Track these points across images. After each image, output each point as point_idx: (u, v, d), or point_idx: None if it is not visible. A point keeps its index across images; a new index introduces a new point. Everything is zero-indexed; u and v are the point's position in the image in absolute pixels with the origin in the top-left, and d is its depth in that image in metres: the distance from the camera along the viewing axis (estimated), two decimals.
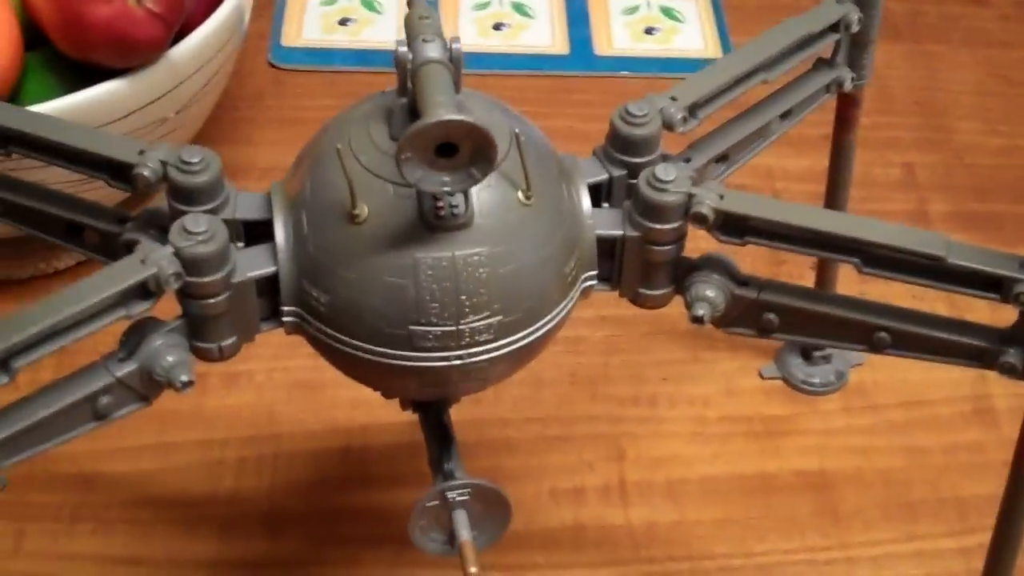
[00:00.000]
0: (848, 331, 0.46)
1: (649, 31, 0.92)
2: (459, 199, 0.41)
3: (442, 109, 0.38)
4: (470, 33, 0.91)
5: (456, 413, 0.61)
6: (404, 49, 0.41)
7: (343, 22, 0.91)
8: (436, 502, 0.45)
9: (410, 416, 0.49)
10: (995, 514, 0.51)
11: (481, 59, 0.88)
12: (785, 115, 0.53)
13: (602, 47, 0.90)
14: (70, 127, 0.45)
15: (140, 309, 0.42)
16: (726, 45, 0.91)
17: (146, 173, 0.44)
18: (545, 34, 0.91)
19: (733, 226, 0.45)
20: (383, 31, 0.90)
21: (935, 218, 0.79)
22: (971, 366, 0.46)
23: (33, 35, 0.66)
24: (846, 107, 0.60)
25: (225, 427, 0.66)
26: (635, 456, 0.66)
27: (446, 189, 0.39)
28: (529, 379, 0.68)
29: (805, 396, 0.69)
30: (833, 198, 0.64)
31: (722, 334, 0.68)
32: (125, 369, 0.42)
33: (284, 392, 0.68)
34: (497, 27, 0.92)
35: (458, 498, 0.45)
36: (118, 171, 0.45)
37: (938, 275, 0.44)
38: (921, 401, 0.69)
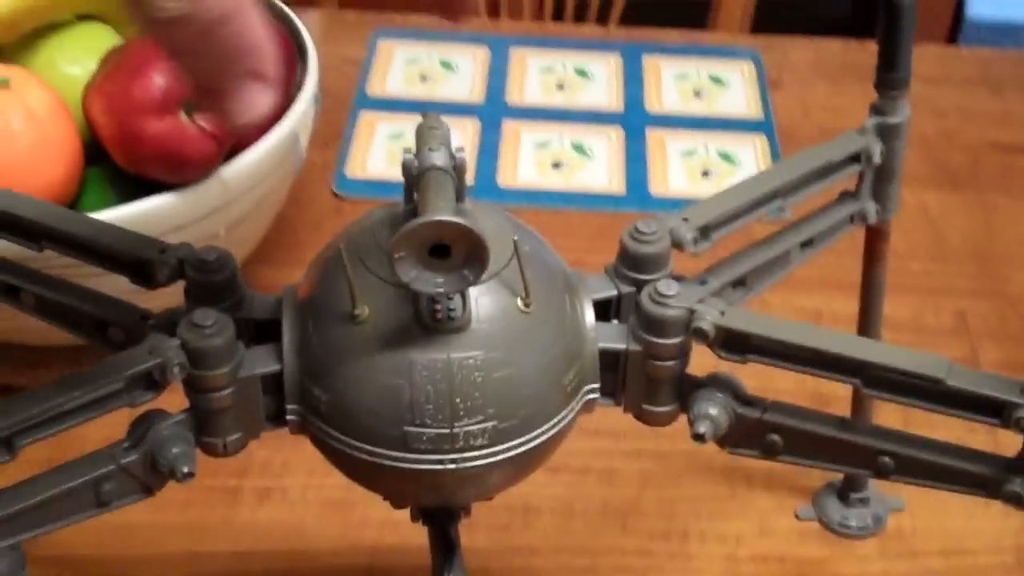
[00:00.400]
0: (853, 455, 0.46)
1: (706, 174, 0.93)
2: (456, 302, 0.42)
3: (436, 211, 0.39)
4: (529, 172, 0.93)
5: (485, 540, 0.61)
6: (410, 156, 0.42)
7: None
8: None
9: None
10: None
11: (540, 196, 0.90)
12: (806, 244, 0.54)
13: (658, 188, 0.92)
14: (97, 224, 0.48)
15: (145, 399, 0.43)
16: None
17: (164, 270, 0.46)
18: (602, 175, 0.93)
19: (734, 343, 0.45)
20: None
21: (985, 365, 0.79)
22: (976, 494, 0.45)
23: (95, 150, 0.69)
24: (873, 240, 0.60)
25: (253, 540, 0.66)
26: None
27: (439, 290, 0.40)
28: (560, 508, 0.68)
29: (841, 539, 0.68)
30: (864, 333, 0.63)
31: (759, 472, 0.69)
32: (130, 457, 0.43)
33: (316, 508, 0.68)
34: (556, 166, 0.94)
35: None
36: (139, 268, 0.47)
37: (938, 398, 0.44)
38: (962, 550, 0.68)
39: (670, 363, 0.45)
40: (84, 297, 0.48)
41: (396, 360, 0.42)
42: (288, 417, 0.45)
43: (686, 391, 0.46)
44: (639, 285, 0.47)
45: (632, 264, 0.47)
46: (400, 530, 0.64)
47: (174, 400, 0.44)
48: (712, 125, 0.98)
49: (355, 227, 0.45)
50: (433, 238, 0.39)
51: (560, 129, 0.97)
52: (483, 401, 0.42)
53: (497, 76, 1.02)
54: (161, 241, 0.47)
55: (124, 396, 0.43)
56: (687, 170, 0.93)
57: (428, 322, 0.42)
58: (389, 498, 0.48)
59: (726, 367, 0.46)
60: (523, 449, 0.44)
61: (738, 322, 0.45)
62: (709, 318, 0.44)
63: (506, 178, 0.92)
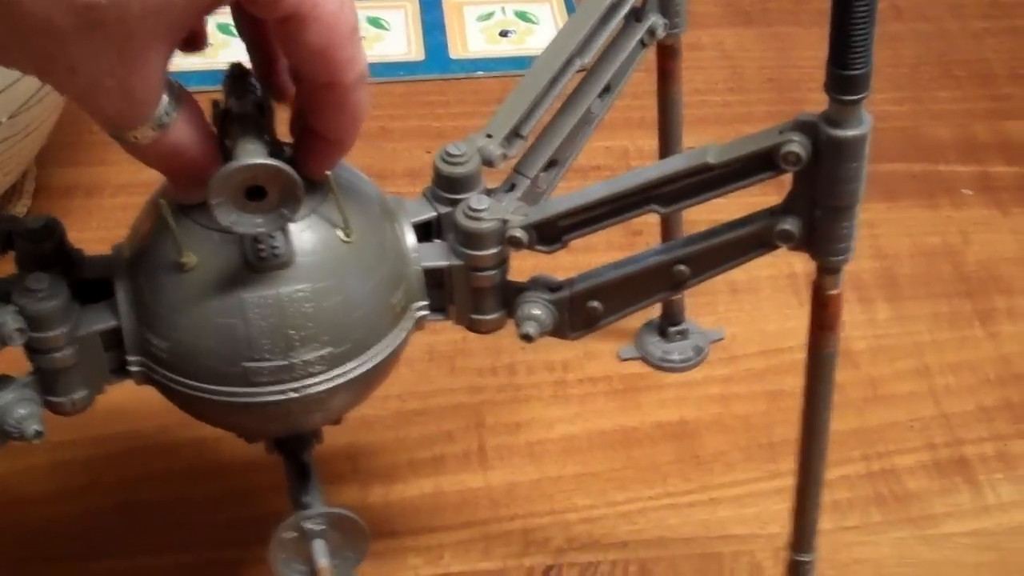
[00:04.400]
0: (657, 280, 0.48)
1: (504, 34, 0.95)
2: (279, 240, 0.43)
3: (247, 154, 0.41)
4: None
5: None
6: (219, 104, 0.44)
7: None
8: (294, 533, 0.48)
9: None
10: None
11: None
12: (604, 92, 0.55)
13: (457, 52, 0.93)
14: None
15: None
16: None
17: None
18: (401, 43, 0.94)
19: (547, 235, 0.48)
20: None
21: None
22: (760, 254, 0.47)
23: None
24: (665, 60, 0.61)
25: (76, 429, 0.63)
26: (494, 423, 0.68)
27: (260, 230, 0.42)
28: None
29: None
30: (666, 154, 0.65)
31: None
32: None
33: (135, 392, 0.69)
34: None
35: (315, 528, 0.48)
36: None
37: (721, 182, 0.46)
38: (779, 349, 0.73)
39: (490, 273, 0.48)
40: None
41: (228, 301, 0.44)
42: (132, 368, 0.46)
43: (509, 297, 0.49)
44: (454, 204, 0.49)
45: (447, 186, 0.49)
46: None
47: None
48: None
49: None
50: (248, 181, 0.41)
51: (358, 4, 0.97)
52: (316, 330, 0.44)
53: None
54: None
55: None
56: (484, 31, 0.95)
57: (254, 262, 0.43)
58: (242, 435, 0.50)
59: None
60: (361, 371, 0.46)
61: (539, 215, 0.47)
62: (517, 223, 0.47)
63: None
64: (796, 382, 0.67)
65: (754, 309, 0.75)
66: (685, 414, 0.69)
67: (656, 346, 0.72)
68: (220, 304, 0.44)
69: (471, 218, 0.47)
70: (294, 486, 0.50)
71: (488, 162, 0.50)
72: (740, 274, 0.55)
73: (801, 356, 0.57)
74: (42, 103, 0.71)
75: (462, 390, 0.70)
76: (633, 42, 0.57)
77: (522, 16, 0.96)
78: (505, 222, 0.47)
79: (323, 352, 0.45)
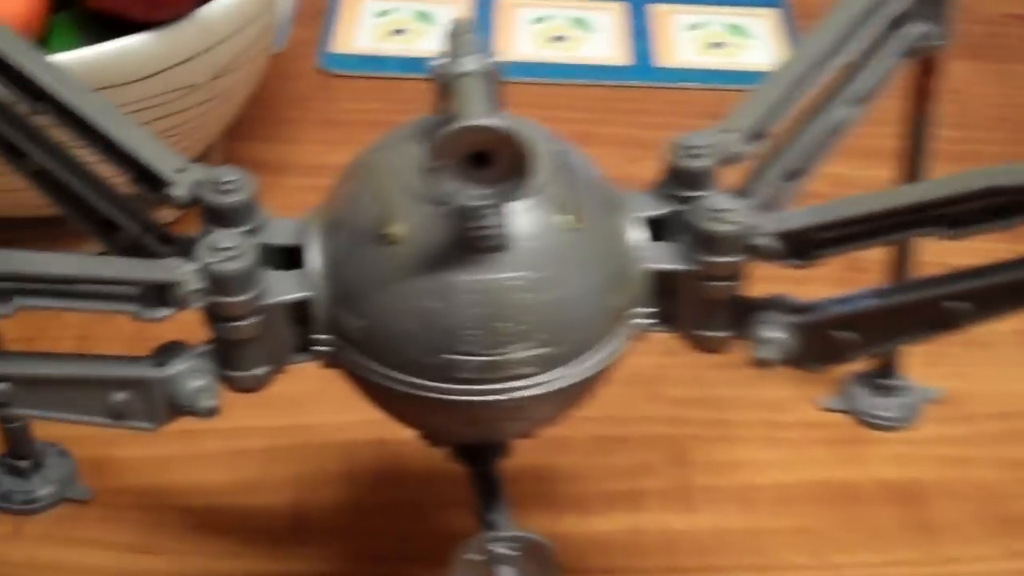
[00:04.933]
0: (927, 315, 0.43)
1: (717, 45, 0.90)
2: (499, 219, 0.38)
3: (476, 115, 0.36)
4: (527, 46, 0.89)
5: None
6: (441, 62, 0.39)
7: (398, 31, 0.90)
8: (479, 556, 0.43)
9: None
10: None
11: (539, 68, 0.87)
12: (859, 101, 0.49)
13: (664, 59, 0.88)
14: (116, 113, 0.44)
15: (154, 315, 0.40)
16: None
17: (179, 192, 0.42)
18: (606, 46, 0.89)
19: (800, 248, 0.42)
20: (437, 42, 0.89)
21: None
22: None
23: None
24: (925, 75, 0.56)
25: (252, 416, 0.60)
26: (699, 460, 0.62)
27: (482, 202, 0.37)
28: None
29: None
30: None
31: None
32: (152, 373, 0.41)
33: (315, 383, 0.66)
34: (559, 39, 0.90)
35: (504, 552, 0.43)
36: (147, 178, 0.43)
37: (1016, 210, 0.40)
38: (1020, 412, 0.65)
39: (728, 284, 0.42)
40: (100, 190, 0.45)
41: (435, 282, 0.39)
42: (319, 348, 0.42)
43: (742, 315, 0.43)
44: (686, 203, 0.43)
45: (680, 180, 0.43)
46: None
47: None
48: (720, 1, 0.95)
49: (382, 143, 0.42)
50: (474, 145, 0.36)
51: (561, 3, 0.93)
52: (531, 326, 0.39)
53: None
54: (180, 157, 0.43)
55: (135, 304, 0.40)
56: (693, 42, 0.90)
57: (468, 241, 0.38)
58: (428, 435, 0.45)
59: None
60: (575, 380, 0.41)
61: (795, 223, 0.41)
62: (770, 228, 0.41)
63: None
64: None
65: (992, 365, 0.67)
66: (913, 474, 0.62)
67: (865, 400, 0.64)
68: (426, 284, 0.39)
69: (713, 219, 0.41)
70: (480, 501, 0.45)
71: (728, 159, 0.44)
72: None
73: None
74: (243, 69, 0.70)
75: (663, 420, 0.64)
76: (894, 50, 0.51)
77: (736, 30, 0.91)
78: (752, 227, 0.41)
79: (537, 352, 0.40)
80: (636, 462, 0.62)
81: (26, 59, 0.43)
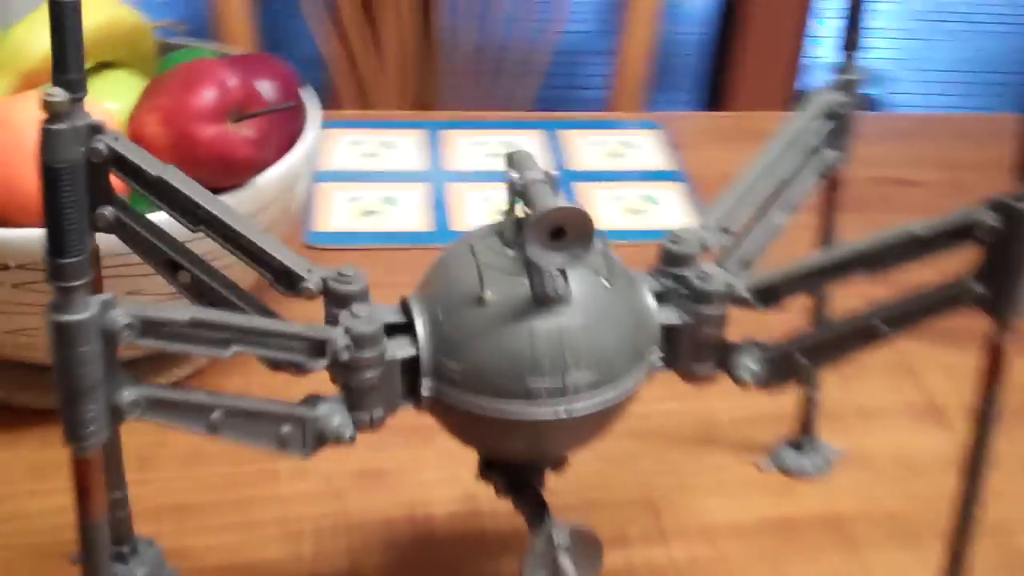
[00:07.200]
0: (855, 338, 0.57)
1: (635, 212, 1.09)
2: (560, 281, 0.53)
3: (555, 201, 0.51)
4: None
5: None
6: (514, 175, 0.54)
7: (369, 212, 1.07)
8: (543, 550, 0.57)
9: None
10: None
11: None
12: (791, 207, 0.65)
13: None
14: (257, 231, 0.57)
15: (315, 365, 0.53)
16: None
17: (311, 285, 0.56)
18: None
19: (767, 296, 0.58)
20: (402, 219, 1.06)
21: None
22: (949, 314, 0.56)
23: None
24: (830, 191, 0.73)
25: (300, 506, 0.75)
26: (668, 509, 0.77)
27: (560, 265, 0.51)
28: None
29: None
30: None
31: (719, 433, 0.82)
32: (307, 413, 0.54)
33: (350, 480, 0.78)
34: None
35: (562, 544, 0.57)
36: (285, 277, 0.56)
37: (920, 250, 0.56)
38: (908, 460, 0.82)
39: (714, 330, 0.58)
40: (234, 291, 0.57)
41: (518, 329, 0.53)
42: (423, 392, 0.55)
43: (725, 354, 0.59)
44: (677, 280, 0.58)
45: (672, 261, 0.59)
46: (431, 489, 0.76)
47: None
48: (631, 177, 1.15)
49: (463, 242, 0.57)
50: (556, 221, 0.50)
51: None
52: (586, 358, 0.54)
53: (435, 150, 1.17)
54: (306, 259, 0.57)
55: (300, 355, 0.53)
56: (618, 209, 1.09)
57: (541, 297, 0.53)
58: (510, 454, 0.59)
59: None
60: (616, 400, 0.55)
61: (763, 280, 0.58)
62: (744, 285, 0.57)
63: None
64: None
65: (882, 429, 0.85)
66: (836, 508, 0.78)
67: (791, 459, 0.81)
68: (511, 331, 0.53)
69: (703, 280, 0.57)
70: (530, 512, 0.59)
71: (703, 247, 0.60)
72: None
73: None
74: (275, 232, 0.81)
75: (638, 485, 0.79)
76: (813, 170, 0.68)
77: (648, 199, 1.10)
78: (731, 285, 0.58)
79: (590, 377, 0.54)
80: (621, 516, 0.77)
81: (191, 191, 0.57)
